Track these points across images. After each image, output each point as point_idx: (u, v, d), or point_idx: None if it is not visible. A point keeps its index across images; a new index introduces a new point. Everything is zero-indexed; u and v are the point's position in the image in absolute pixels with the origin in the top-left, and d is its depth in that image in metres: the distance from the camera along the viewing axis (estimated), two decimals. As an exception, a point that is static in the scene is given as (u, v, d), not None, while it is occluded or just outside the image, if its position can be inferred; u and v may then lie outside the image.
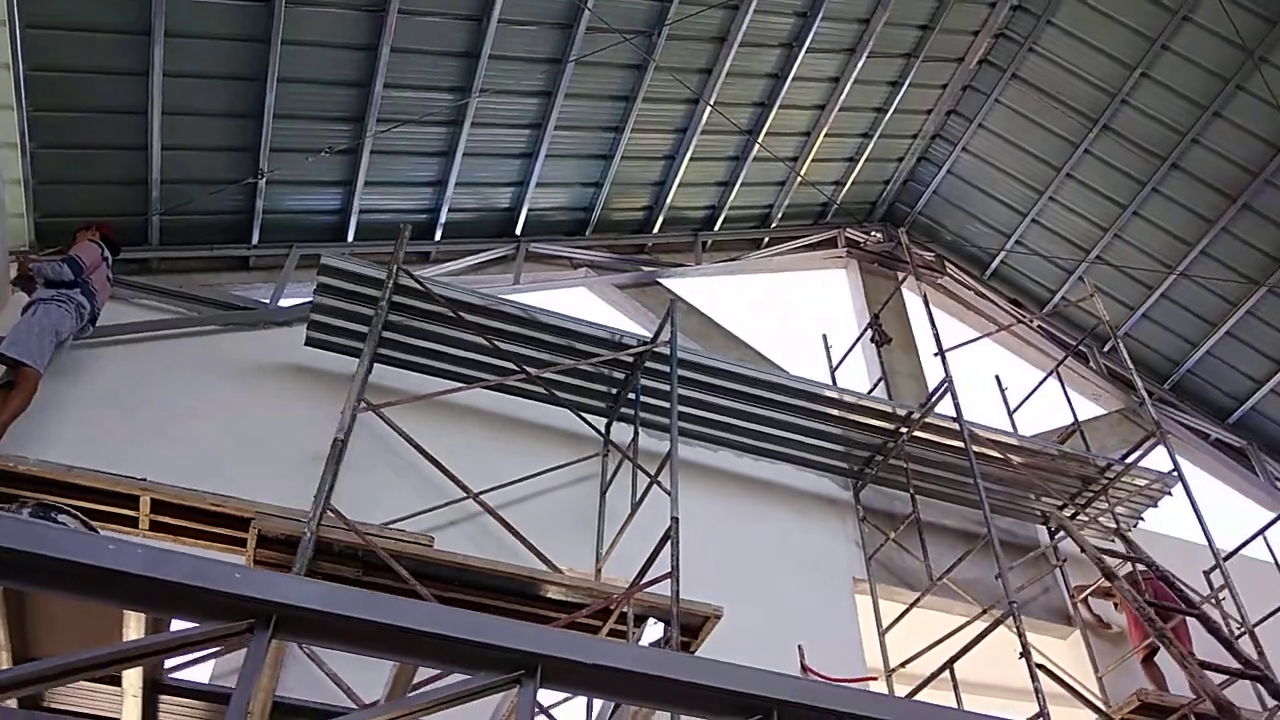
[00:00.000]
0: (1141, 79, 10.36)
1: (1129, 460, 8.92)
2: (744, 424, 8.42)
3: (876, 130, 11.13)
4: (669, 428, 8.36)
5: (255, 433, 7.21)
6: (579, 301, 10.01)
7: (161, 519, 5.93)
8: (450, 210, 9.11)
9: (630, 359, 7.65)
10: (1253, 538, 9.23)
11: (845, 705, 3.00)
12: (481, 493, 6.85)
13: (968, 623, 7.41)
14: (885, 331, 9.73)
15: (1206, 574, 9.37)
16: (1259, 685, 6.85)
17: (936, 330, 8.65)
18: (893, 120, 11.17)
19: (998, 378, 10.75)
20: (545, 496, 7.78)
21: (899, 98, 10.86)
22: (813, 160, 10.95)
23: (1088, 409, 11.92)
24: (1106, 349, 12.14)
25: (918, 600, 7.84)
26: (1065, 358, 10.53)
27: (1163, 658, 8.55)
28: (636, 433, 7.60)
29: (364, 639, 2.76)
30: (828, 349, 10.27)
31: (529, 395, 7.66)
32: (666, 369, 8.02)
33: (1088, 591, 8.90)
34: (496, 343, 6.98)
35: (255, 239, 8.37)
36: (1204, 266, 11.09)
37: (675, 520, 6.03)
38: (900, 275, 12.17)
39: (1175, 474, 8.58)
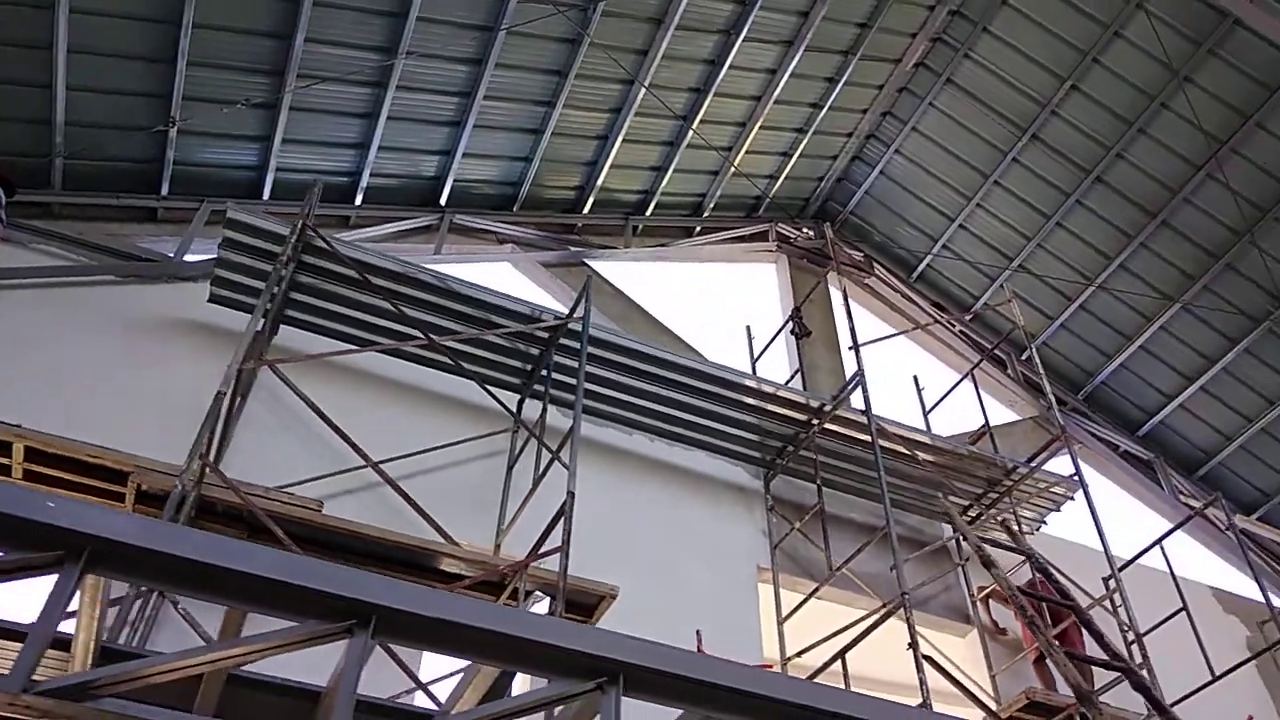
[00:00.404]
0: (1071, 91, 10.52)
1: (1033, 463, 9.04)
2: (659, 408, 8.37)
3: (811, 126, 11.16)
4: (584, 406, 8.38)
5: (151, 389, 6.97)
6: (503, 278, 9.87)
7: (37, 469, 5.70)
8: (372, 175, 8.92)
9: (544, 335, 7.55)
10: (1149, 548, 9.41)
11: (691, 670, 2.98)
12: (381, 462, 6.69)
13: (866, 616, 7.45)
14: (805, 325, 9.77)
15: (1105, 580, 9.58)
16: (1126, 678, 6.97)
17: (852, 324, 8.70)
18: (828, 117, 11.21)
19: (915, 378, 10.84)
20: (451, 471, 7.67)
21: (835, 95, 10.90)
22: (747, 152, 10.95)
23: (1003, 415, 12.11)
24: (1024, 357, 12.33)
25: (815, 591, 7.87)
26: (980, 361, 10.67)
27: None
28: (545, 409, 7.50)
29: (187, 578, 2.64)
30: (750, 340, 10.27)
31: (436, 365, 7.52)
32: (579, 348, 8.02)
33: (986, 593, 9.02)
34: (403, 308, 6.83)
35: (165, 190, 8.11)
36: (1122, 280, 11.32)
37: (571, 495, 5.97)
38: (832, 274, 12.29)
39: (1077, 479, 8.72)
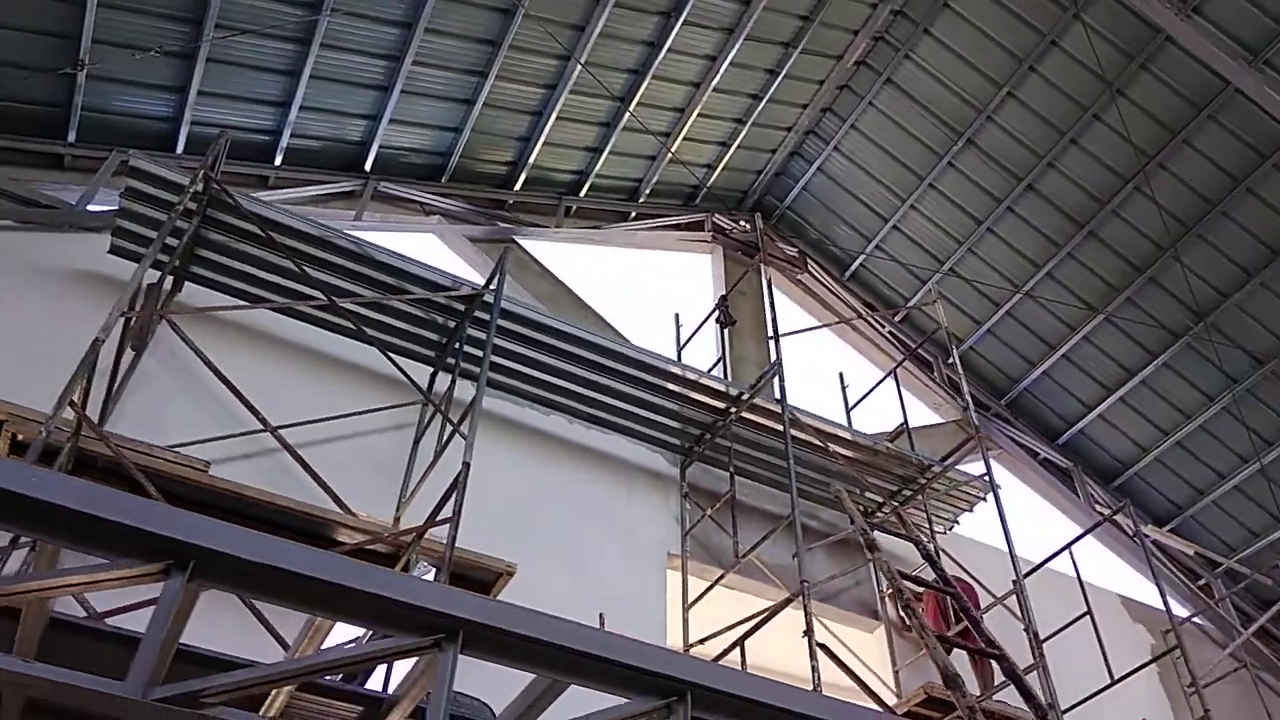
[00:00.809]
0: (1008, 98, 10.60)
1: (947, 462, 9.08)
2: (579, 390, 8.26)
3: (750, 117, 11.10)
4: (498, 384, 8.24)
5: (45, 340, 6.68)
6: (428, 250, 9.69)
7: (-96, 414, 5.42)
8: (294, 135, 8.67)
9: (460, 307, 7.39)
10: (1058, 552, 9.51)
11: (535, 630, 2.89)
12: (281, 427, 6.50)
13: (773, 605, 7.41)
14: (731, 313, 9.71)
15: (1015, 583, 9.65)
16: (998, 665, 7.04)
17: (774, 314, 8.67)
18: (768, 110, 11.16)
19: (840, 375, 10.86)
20: (358, 441, 7.48)
21: (775, 87, 10.86)
22: (685, 139, 10.86)
23: (928, 417, 12.20)
24: (950, 360, 12.40)
25: (720, 578, 7.81)
26: (903, 360, 10.71)
27: (964, 658, 8.79)
28: (454, 381, 7.36)
29: (-9, 509, 2.47)
30: (678, 327, 10.21)
31: (345, 332, 7.31)
32: (498, 320, 7.87)
33: (893, 590, 9.04)
34: (310, 270, 6.63)
35: (72, 137, 7.79)
36: (1048, 289, 11.44)
37: (466, 466, 5.84)
38: (760, 265, 12.26)
39: (986, 478, 8.76)
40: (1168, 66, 9.84)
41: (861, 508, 9.48)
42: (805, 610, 6.48)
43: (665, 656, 3.44)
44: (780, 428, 8.48)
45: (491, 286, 7.19)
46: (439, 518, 5.87)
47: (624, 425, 8.64)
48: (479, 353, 7.82)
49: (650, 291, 12.40)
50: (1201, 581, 12.16)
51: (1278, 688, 11.60)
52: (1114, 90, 10.04)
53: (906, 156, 11.41)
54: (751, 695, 3.32)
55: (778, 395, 8.09)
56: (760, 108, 11.01)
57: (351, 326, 6.89)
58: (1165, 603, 8.51)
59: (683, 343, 9.96)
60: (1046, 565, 9.92)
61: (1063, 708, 8.38)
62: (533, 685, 3.37)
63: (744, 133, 11.24)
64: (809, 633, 6.36)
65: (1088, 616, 8.72)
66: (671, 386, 8.39)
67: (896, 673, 8.63)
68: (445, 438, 6.76)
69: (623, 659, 3.12)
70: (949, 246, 11.72)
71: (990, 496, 9.08)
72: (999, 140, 10.87)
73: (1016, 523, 13.01)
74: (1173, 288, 10.85)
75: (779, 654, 8.56)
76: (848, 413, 10.39)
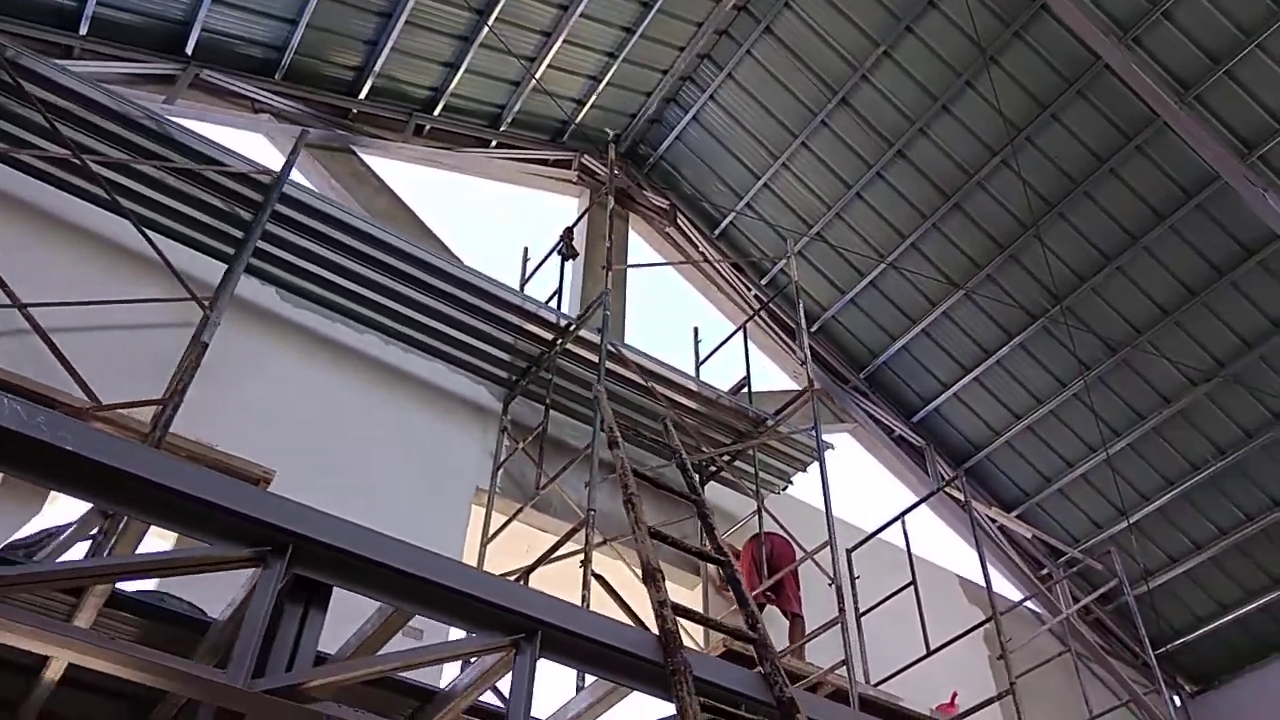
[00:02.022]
0: (884, 58, 10.32)
1: (780, 416, 8.74)
2: (396, 307, 7.69)
3: (622, 52, 10.62)
4: (304, 290, 7.62)
5: None
6: (255, 151, 8.96)
7: None
8: (103, 5, 7.89)
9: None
10: (890, 523, 9.23)
11: (357, 545, 2.85)
12: (33, 305, 5.80)
13: (561, 537, 6.98)
14: (574, 246, 9.21)
15: (849, 551, 9.39)
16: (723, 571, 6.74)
17: (610, 245, 8.22)
18: (641, 46, 10.69)
19: (695, 330, 10.48)
20: (136, 333, 6.81)
21: (648, 21, 10.39)
22: (551, 67, 10.33)
23: (788, 385, 11.93)
24: (814, 329, 12.15)
25: (518, 512, 7.35)
26: (754, 314, 10.33)
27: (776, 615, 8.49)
28: (236, 274, 6.70)
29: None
30: (525, 261, 9.69)
31: (97, 201, 6.57)
32: (305, 220, 7.25)
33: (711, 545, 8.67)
34: (59, 125, 5.91)
35: None
36: (912, 260, 11.23)
37: (204, 345, 5.26)
38: (630, 215, 11.82)
39: (812, 431, 8.41)
40: (1041, 36, 9.67)
41: (694, 459, 9.13)
42: (586, 538, 6.03)
43: (519, 593, 3.31)
44: (610, 366, 8.07)
45: (308, 187, 6.56)
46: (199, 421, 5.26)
47: (444, 351, 8.09)
48: (278, 252, 7.28)
49: (513, 231, 11.87)
50: (1045, 571, 12.12)
51: (1105, 679, 11.63)
52: (988, 57, 9.83)
53: (781, 112, 11.06)
54: (602, 638, 3.24)
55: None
56: (633, 42, 10.53)
57: (105, 196, 6.16)
58: (985, 573, 8.26)
59: (527, 276, 9.45)
60: (892, 543, 9.73)
61: (883, 677, 8.23)
62: (376, 615, 3.25)
63: (615, 68, 10.75)
64: (585, 563, 5.92)
65: (911, 587, 8.45)
66: (495, 311, 7.90)
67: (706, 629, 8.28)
68: (203, 328, 6.11)
69: (472, 591, 3.09)
70: (818, 210, 11.42)
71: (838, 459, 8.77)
72: (873, 101, 10.59)
73: (868, 498, 12.87)
74: (1033, 268, 10.73)
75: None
76: (697, 367, 10.02)
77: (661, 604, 3.45)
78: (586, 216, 11.28)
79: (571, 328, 7.88)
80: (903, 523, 9.14)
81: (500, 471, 8.09)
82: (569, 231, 9.21)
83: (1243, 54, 8.94)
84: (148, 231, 6.23)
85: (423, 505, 7.54)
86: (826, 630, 7.08)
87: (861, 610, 9.15)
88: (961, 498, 11.64)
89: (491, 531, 7.50)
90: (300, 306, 7.79)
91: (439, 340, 8.03)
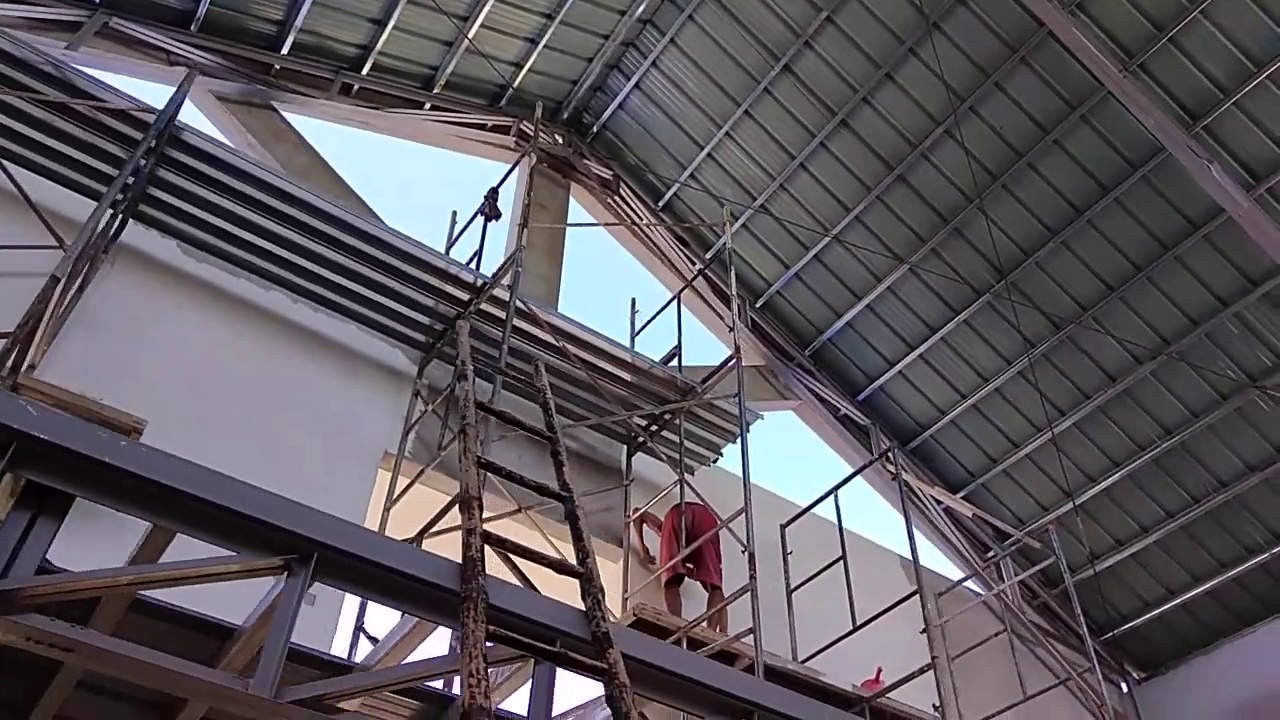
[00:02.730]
0: (826, 24, 10.07)
1: (708, 384, 8.47)
2: (306, 264, 7.41)
3: (560, 13, 10.33)
4: (201, 242, 7.32)
5: None
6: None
7: None
8: (0, -59, 7.57)
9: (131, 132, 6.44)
10: (823, 497, 9.02)
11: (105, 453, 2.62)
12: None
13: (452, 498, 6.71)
14: (497, 208, 8.93)
15: (783, 527, 9.17)
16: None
17: (529, 202, 7.95)
18: (580, 10, 10.42)
19: (633, 300, 10.20)
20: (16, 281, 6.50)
21: (586, -19, 10.13)
22: (485, 27, 10.04)
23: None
24: (759, 304, 11.91)
25: (420, 475, 7.03)
26: (689, 282, 10.03)
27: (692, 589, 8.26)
28: (100, 210, 6.37)
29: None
30: (452, 224, 9.42)
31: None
32: (204, 169, 6.96)
33: (638, 515, 8.43)
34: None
35: None
36: (857, 234, 10.99)
37: (55, 279, 4.93)
38: (571, 184, 11.54)
39: (736, 398, 8.16)
40: (985, 2, 9.45)
41: (625, 430, 8.88)
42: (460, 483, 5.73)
43: (294, 512, 3.07)
44: (523, 326, 7.80)
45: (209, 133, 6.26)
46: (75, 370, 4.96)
47: (357, 312, 7.80)
48: (183, 205, 7.00)
49: (454, 199, 11.55)
50: (991, 554, 11.91)
51: (1049, 663, 11.42)
52: (931, 24, 9.60)
53: (724, 80, 10.80)
54: (389, 563, 3.09)
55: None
56: (571, 3, 10.24)
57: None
58: (912, 545, 7.99)
59: (453, 239, 9.18)
60: (838, 525, 9.51)
61: (812, 653, 8.01)
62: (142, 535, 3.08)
63: (552, 30, 10.46)
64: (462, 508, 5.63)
65: (870, 576, 8.24)
66: (409, 270, 7.63)
67: (625, 599, 8.02)
68: (85, 275, 5.83)
69: (238, 508, 2.86)
70: (762, 182, 11.17)
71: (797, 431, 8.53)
72: (816, 69, 10.34)
73: (813, 477, 12.58)
74: (978, 242, 10.51)
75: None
76: (632, 338, 9.76)
77: (470, 531, 3.19)
78: (526, 185, 11.02)
79: (485, 287, 7.60)
80: (835, 498, 8.91)
81: (413, 436, 7.82)
82: (493, 192, 8.93)
83: (1186, 21, 8.74)
84: (17, 170, 5.92)
85: (326, 467, 7.26)
86: (737, 598, 6.84)
87: (793, 586, 8.99)
88: (926, 489, 11.48)
89: (395, 495, 7.21)
90: (203, 260, 7.51)
91: (352, 300, 7.74)
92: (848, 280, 11.34)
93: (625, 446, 9.02)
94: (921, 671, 7.27)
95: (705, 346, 12.42)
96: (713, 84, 10.88)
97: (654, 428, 8.71)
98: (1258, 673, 10.89)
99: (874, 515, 12.34)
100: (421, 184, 10.36)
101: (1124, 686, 12.09)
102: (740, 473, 10.10)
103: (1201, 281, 9.89)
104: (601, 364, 8.24)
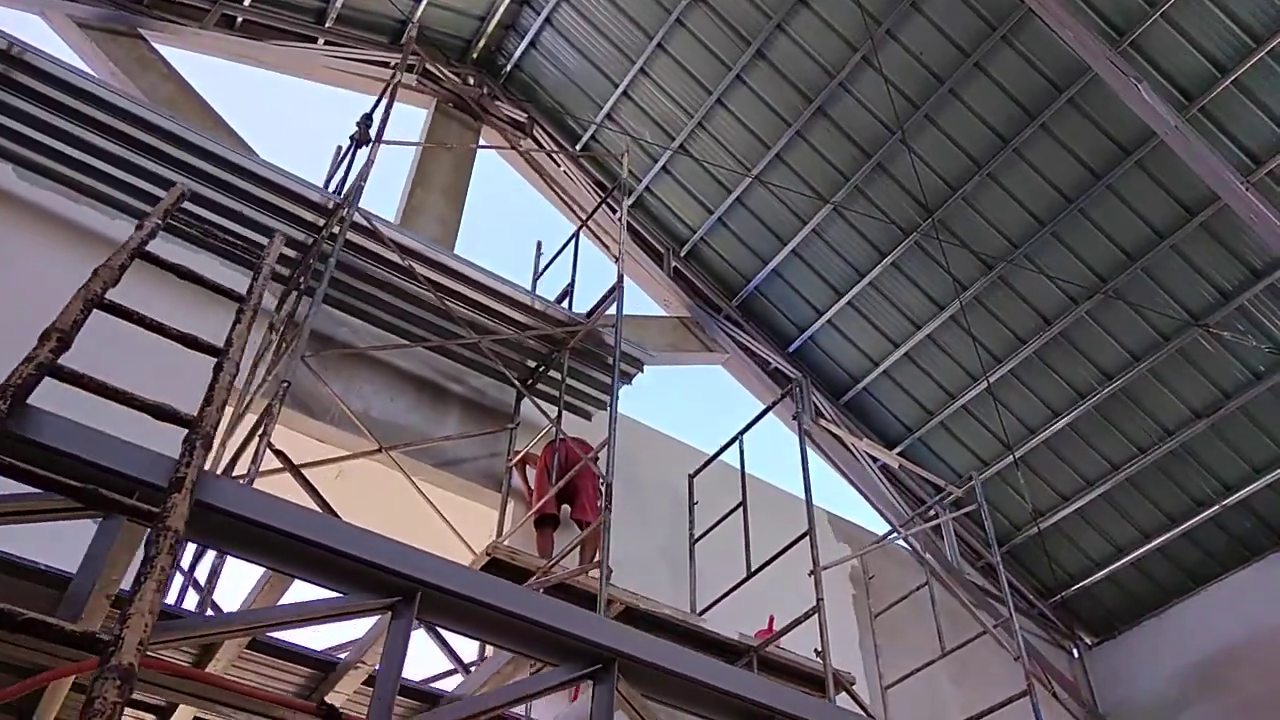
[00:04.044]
0: (737, -56, 9.54)
1: (594, 316, 7.91)
2: (158, 192, 6.91)
3: (457, -59, 9.83)
4: (41, 167, 6.85)
5: None
6: (31, 34, 8.16)
7: None
8: None
9: None
10: (725, 446, 8.48)
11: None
12: None
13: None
14: (368, 133, 8.38)
15: (691, 478, 8.68)
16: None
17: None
18: (478, -64, 9.91)
19: (538, 244, 9.67)
20: None
21: (480, -96, 9.60)
22: (375, -47, 9.54)
23: (651, 311, 11.16)
24: (684, 254, 11.36)
25: (241, 402, 6.49)
26: (589, 217, 9.44)
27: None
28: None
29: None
30: (336, 159, 8.89)
31: None
32: (39, 88, 6.48)
33: (518, 458, 7.90)
34: None
35: None
36: (779, 174, 10.43)
37: None
38: (483, 128, 11.01)
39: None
40: (897, -84, 8.90)
41: (516, 374, 8.34)
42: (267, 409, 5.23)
43: (400, 553, 3.20)
44: (383, 253, 7.27)
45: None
46: None
47: (212, 243, 7.26)
48: (17, 125, 6.54)
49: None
50: (932, 513, 11.33)
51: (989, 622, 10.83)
52: (843, -59, 9.05)
53: (635, 12, 10.25)
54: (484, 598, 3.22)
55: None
56: (465, -71, 9.74)
57: None
58: (806, 485, 7.38)
59: (331, 172, 8.65)
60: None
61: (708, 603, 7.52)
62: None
63: (449, -43, 9.95)
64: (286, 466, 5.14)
65: (796, 532, 7.65)
66: (267, 197, 7.14)
67: (497, 543, 7.49)
68: None
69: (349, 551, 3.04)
70: (680, 120, 10.62)
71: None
72: (728, -5, 9.80)
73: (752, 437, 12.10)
74: (902, 178, 9.94)
75: (363, 503, 7.45)
76: (534, 280, 9.23)
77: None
78: (427, 128, 10.52)
79: (337, 208, 7.07)
80: (740, 444, 8.38)
81: (261, 371, 7.32)
82: (366, 118, 8.38)
83: (1106, -74, 8.16)
84: None
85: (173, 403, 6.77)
86: (587, 534, 6.31)
87: (696, 537, 8.51)
88: (839, 434, 10.92)
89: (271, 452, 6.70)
90: (41, 186, 7.02)
91: (206, 232, 7.23)
92: (773, 224, 10.78)
93: (515, 390, 8.49)
94: (806, 616, 6.75)
95: (630, 300, 11.84)
96: (623, 15, 10.33)
97: (541, 368, 8.18)
98: (1209, 632, 10.29)
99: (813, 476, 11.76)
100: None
101: (1075, 652, 11.50)
102: (649, 420, 9.64)
103: (1136, 212, 9.30)
104: (451, 284, 7.58)
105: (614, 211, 10.76)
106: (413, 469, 7.65)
